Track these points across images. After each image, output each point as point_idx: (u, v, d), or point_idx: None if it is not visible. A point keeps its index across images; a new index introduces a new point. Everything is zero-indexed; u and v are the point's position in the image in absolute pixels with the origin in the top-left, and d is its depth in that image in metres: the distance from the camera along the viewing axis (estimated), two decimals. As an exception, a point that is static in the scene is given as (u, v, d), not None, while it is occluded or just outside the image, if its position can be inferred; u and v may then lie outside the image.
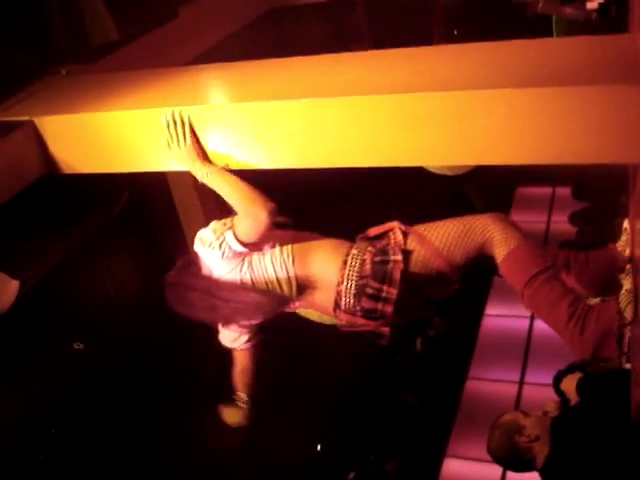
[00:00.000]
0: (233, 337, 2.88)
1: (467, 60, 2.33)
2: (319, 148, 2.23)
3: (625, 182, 2.82)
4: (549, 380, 3.17)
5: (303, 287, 2.74)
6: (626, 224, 2.67)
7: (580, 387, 2.55)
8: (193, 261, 2.70)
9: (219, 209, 4.40)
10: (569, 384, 2.66)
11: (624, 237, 2.60)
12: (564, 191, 9.32)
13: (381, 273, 2.63)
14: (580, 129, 1.93)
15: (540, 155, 2.03)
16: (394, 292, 2.62)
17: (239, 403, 3.01)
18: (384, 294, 2.63)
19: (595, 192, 6.74)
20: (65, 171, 2.66)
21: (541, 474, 2.61)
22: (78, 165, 2.65)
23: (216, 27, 4.05)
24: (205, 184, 2.51)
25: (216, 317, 2.75)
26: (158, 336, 4.73)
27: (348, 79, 2.36)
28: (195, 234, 2.65)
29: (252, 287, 2.67)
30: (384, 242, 2.73)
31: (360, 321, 2.71)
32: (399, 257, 2.64)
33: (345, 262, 2.68)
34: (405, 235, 2.72)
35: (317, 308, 2.86)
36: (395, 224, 2.77)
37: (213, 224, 2.62)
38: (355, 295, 2.66)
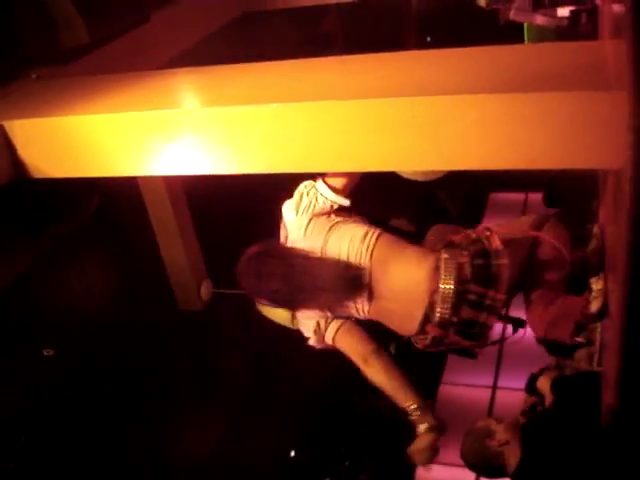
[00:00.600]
0: (311, 326, 2.60)
1: (439, 66, 2.34)
2: (290, 153, 2.22)
3: (596, 189, 2.85)
4: (522, 385, 3.19)
5: (377, 290, 2.49)
6: (596, 229, 2.69)
7: (555, 386, 2.57)
8: (278, 236, 2.64)
9: (190, 213, 4.41)
10: (544, 383, 2.69)
11: (594, 242, 2.63)
12: (536, 197, 9.38)
13: (485, 276, 2.36)
14: (551, 135, 1.93)
15: (513, 160, 2.03)
16: (501, 298, 2.35)
17: (417, 427, 2.51)
18: (489, 301, 2.35)
19: (566, 199, 6.79)
20: (35, 176, 2.62)
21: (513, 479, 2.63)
22: (48, 170, 2.62)
23: (188, 32, 4.04)
24: None
25: (290, 289, 2.50)
26: (129, 341, 4.70)
27: (319, 84, 2.36)
28: (166, 238, 2.63)
29: (329, 260, 2.49)
30: (478, 247, 2.45)
31: (453, 338, 2.42)
32: (505, 261, 2.37)
33: (438, 267, 2.39)
34: (502, 241, 2.45)
35: (391, 319, 2.57)
36: (488, 229, 2.52)
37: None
38: (453, 304, 2.36)
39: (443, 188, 9.02)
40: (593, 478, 2.31)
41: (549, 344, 2.76)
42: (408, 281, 2.44)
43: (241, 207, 5.22)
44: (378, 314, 2.56)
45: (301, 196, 2.57)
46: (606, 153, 1.88)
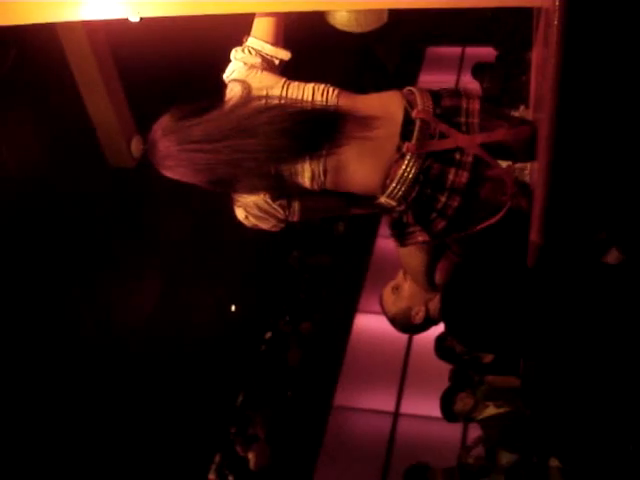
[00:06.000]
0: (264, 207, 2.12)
1: None
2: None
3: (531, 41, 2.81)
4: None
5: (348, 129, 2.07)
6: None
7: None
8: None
9: (115, 62, 4.23)
10: None
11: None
12: (473, 51, 9.32)
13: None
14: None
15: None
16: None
17: None
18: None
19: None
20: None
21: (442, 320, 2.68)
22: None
23: None
24: None
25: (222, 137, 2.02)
26: (60, 203, 4.62)
27: None
28: (92, 94, 2.45)
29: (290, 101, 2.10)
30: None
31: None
32: None
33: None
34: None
35: (361, 162, 2.08)
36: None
37: None
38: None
39: (380, 41, 8.86)
40: (519, 314, 2.40)
41: None
42: (386, 107, 2.09)
43: (172, 60, 5.03)
44: (338, 163, 2.07)
45: (236, 58, 2.19)
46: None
